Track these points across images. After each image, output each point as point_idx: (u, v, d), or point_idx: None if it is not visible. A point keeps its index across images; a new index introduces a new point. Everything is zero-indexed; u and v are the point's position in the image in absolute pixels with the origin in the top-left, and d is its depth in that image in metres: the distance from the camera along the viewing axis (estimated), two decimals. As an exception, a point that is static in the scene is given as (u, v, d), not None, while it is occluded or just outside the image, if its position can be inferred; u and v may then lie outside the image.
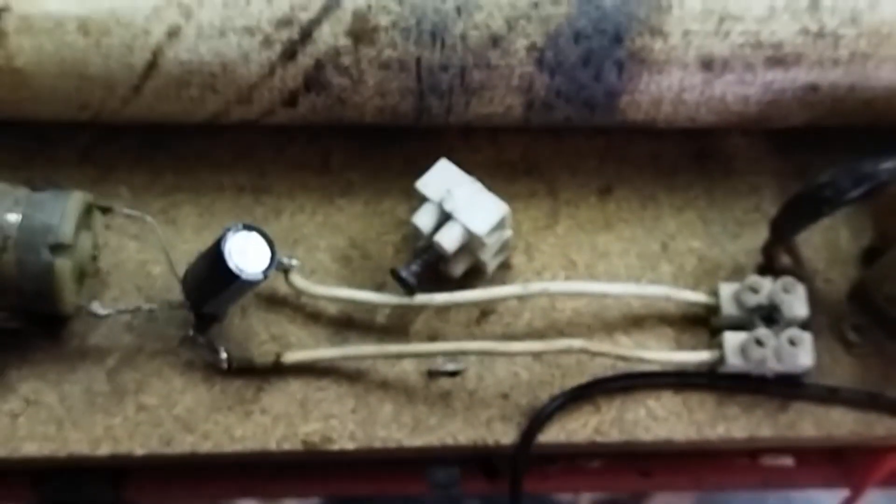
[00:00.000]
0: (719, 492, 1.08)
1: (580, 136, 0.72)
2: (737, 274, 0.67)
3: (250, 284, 0.60)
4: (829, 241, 0.69)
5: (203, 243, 0.62)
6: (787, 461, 0.70)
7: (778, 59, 0.64)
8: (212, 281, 0.60)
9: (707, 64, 0.64)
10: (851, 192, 0.59)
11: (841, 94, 0.66)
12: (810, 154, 0.69)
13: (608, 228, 0.70)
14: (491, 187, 0.64)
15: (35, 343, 0.64)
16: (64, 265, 0.60)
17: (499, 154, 0.72)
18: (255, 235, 0.60)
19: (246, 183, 0.70)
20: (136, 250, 0.67)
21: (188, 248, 0.66)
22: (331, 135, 0.71)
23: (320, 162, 0.71)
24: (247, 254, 0.59)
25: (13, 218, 0.60)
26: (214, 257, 0.59)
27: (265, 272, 0.59)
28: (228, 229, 0.59)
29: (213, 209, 0.69)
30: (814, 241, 0.69)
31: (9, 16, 0.62)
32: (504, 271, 0.68)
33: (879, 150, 0.60)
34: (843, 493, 0.71)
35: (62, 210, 0.60)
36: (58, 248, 0.59)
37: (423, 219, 0.63)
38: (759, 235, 0.67)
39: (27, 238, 0.59)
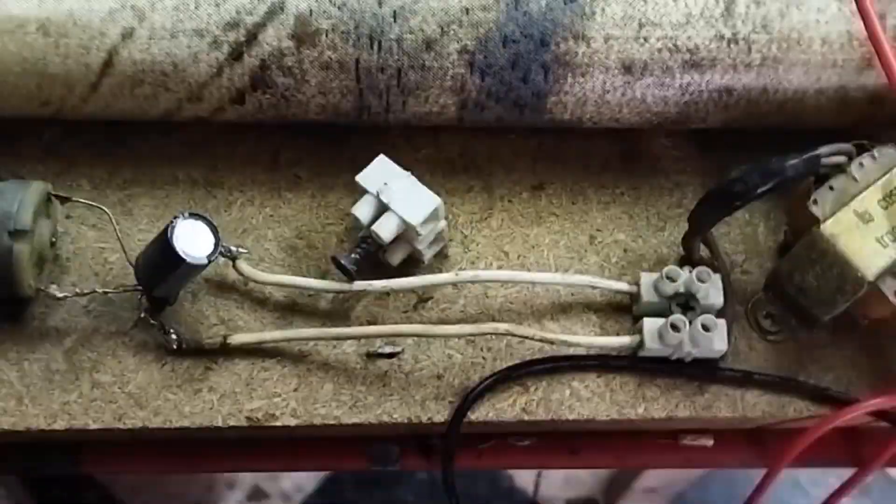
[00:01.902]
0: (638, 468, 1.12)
1: (515, 136, 0.76)
2: (660, 265, 0.71)
3: (196, 268, 0.64)
4: (747, 236, 0.74)
5: (157, 232, 0.66)
6: (707, 442, 0.74)
7: (694, 63, 0.68)
8: (161, 264, 0.64)
9: (628, 67, 0.68)
10: (760, 186, 0.63)
11: (754, 97, 0.70)
12: (730, 155, 0.73)
13: (539, 222, 0.74)
14: (430, 183, 0.68)
15: (-3, 325, 0.69)
16: (22, 250, 0.64)
17: (438, 152, 0.76)
18: (200, 223, 0.64)
19: (199, 177, 0.74)
20: (94, 239, 0.71)
21: (144, 236, 0.70)
22: (280, 133, 0.75)
23: (270, 158, 0.75)
24: (193, 240, 0.63)
25: (-26, 205, 0.64)
26: (163, 242, 0.63)
27: (209, 257, 0.64)
28: (176, 217, 0.63)
29: (167, 201, 0.73)
30: (733, 236, 0.73)
31: (-27, 17, 0.66)
32: (441, 261, 0.72)
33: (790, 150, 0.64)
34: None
35: (21, 198, 0.64)
36: (17, 234, 0.63)
37: (362, 210, 0.67)
38: (680, 229, 0.72)
39: (-12, 224, 0.64)
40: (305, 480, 1.65)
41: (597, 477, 1.71)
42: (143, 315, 0.67)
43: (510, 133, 0.76)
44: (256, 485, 1.65)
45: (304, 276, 0.70)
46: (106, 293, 0.69)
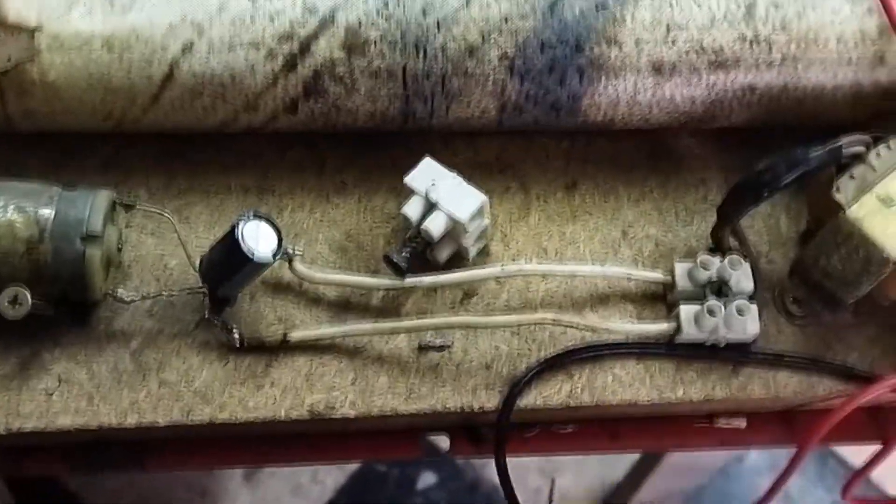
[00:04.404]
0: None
1: (548, 138, 0.80)
2: (689, 256, 0.75)
3: (261, 266, 0.67)
4: (770, 227, 0.78)
5: (214, 238, 0.69)
6: (741, 423, 0.77)
7: (719, 63, 0.72)
8: (227, 264, 0.67)
9: (657, 68, 0.72)
10: (786, 176, 0.68)
11: (775, 94, 0.74)
12: (751, 152, 0.76)
13: (574, 219, 0.78)
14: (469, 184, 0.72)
15: (66, 328, 0.71)
16: (94, 254, 0.67)
17: (476, 156, 0.80)
18: (264, 223, 0.67)
19: (251, 184, 0.78)
20: (154, 245, 0.75)
21: (200, 242, 0.74)
22: (326, 141, 0.79)
23: (317, 165, 0.79)
24: (257, 239, 0.66)
25: (48, 212, 0.66)
26: (229, 242, 0.66)
27: (274, 255, 0.67)
28: (241, 217, 0.66)
29: (221, 208, 0.76)
30: (757, 227, 0.77)
31: (41, 35, 0.69)
32: (483, 258, 0.76)
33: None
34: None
35: (92, 204, 0.67)
36: (89, 239, 0.66)
37: (412, 209, 0.71)
38: (707, 222, 0.76)
39: (62, 230, 0.66)
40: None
41: (591, 493, 1.76)
42: (205, 315, 0.70)
43: (543, 136, 0.80)
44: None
45: (355, 274, 0.74)
46: (171, 296, 0.72)
